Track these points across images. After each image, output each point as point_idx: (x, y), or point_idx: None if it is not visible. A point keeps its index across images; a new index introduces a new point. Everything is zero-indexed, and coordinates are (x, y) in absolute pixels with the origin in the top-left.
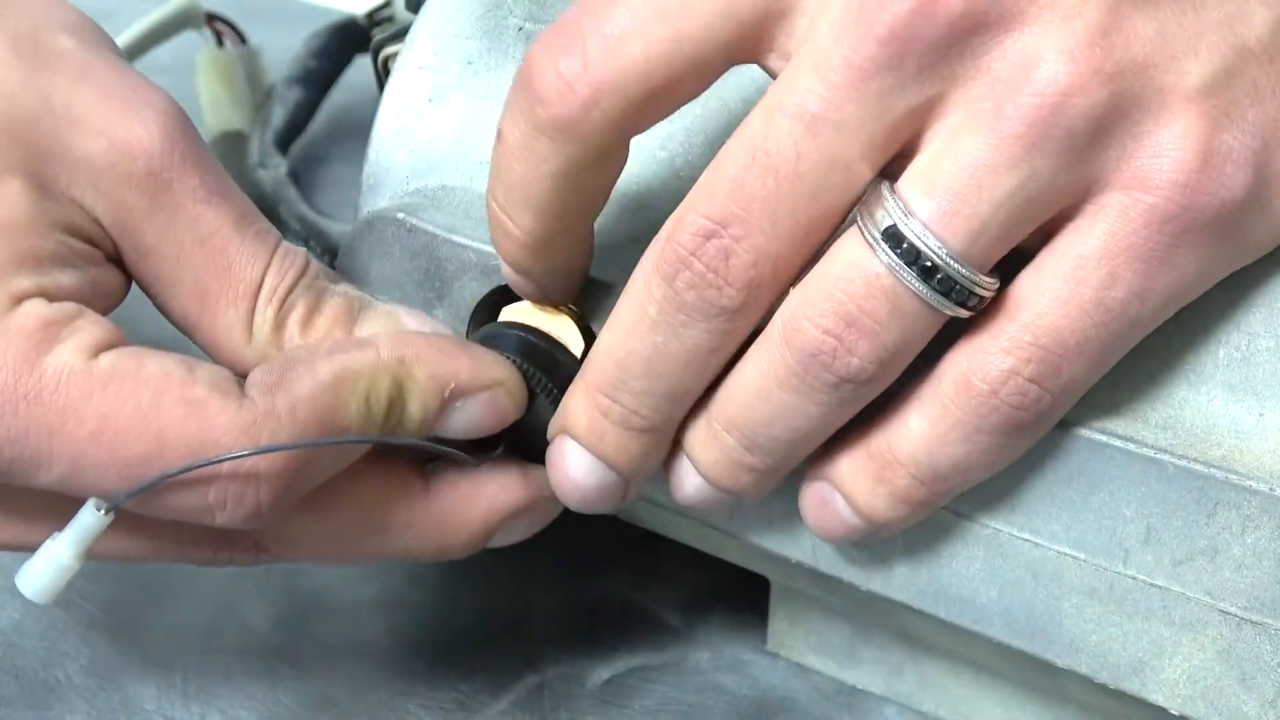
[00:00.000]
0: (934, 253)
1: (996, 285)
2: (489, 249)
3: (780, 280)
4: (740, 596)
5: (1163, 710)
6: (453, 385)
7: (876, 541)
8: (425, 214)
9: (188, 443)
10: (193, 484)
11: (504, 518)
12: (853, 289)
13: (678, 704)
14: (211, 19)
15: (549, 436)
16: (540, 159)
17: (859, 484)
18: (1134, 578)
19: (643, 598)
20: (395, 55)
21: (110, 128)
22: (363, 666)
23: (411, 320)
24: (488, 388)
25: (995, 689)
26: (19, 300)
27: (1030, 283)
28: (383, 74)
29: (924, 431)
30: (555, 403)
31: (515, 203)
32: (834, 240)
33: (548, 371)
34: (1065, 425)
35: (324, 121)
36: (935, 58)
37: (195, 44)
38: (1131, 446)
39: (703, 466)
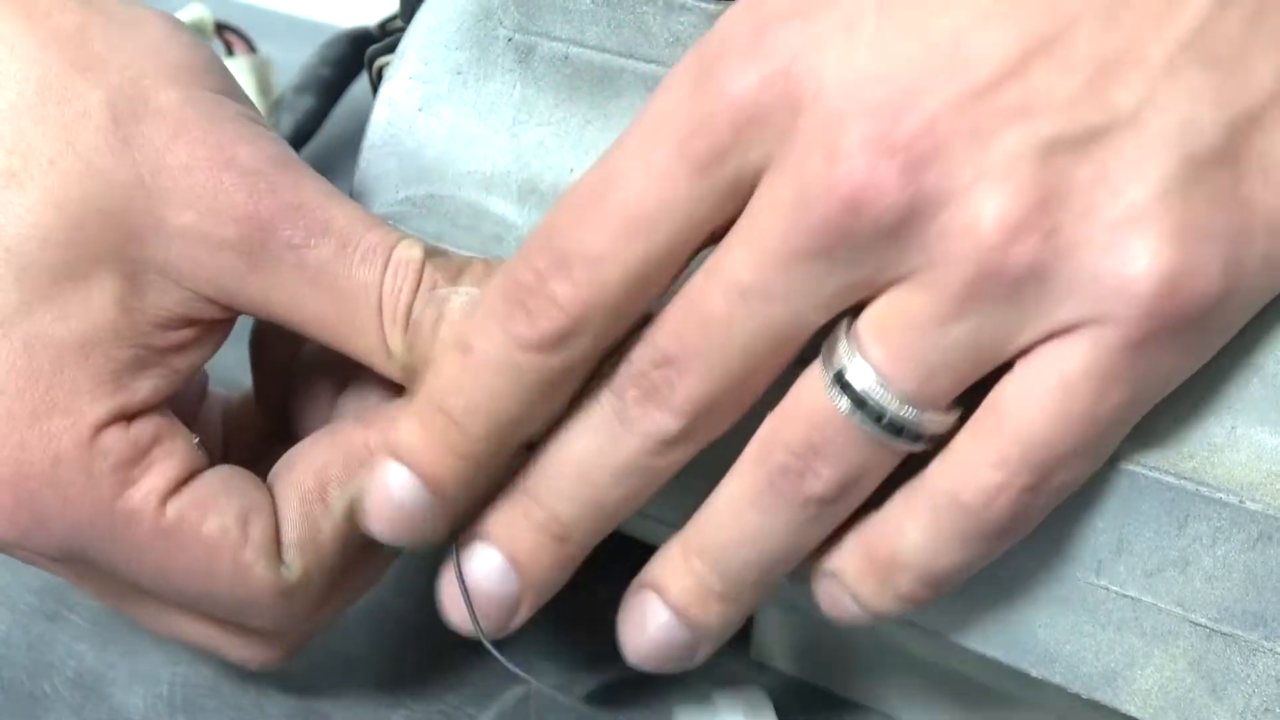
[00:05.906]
0: (880, 402)
1: (955, 418)
2: (478, 256)
3: (722, 418)
4: None
5: None
6: None
7: None
8: (414, 222)
9: (231, 600)
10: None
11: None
12: (814, 422)
13: (663, 715)
14: (221, 29)
15: None
16: (520, 374)
17: (866, 586)
18: (1106, 588)
19: None
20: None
21: (196, 199)
22: (349, 678)
23: None
24: None
25: (976, 698)
26: (98, 430)
27: (1014, 392)
28: (378, 83)
29: (922, 541)
30: None
31: (476, 415)
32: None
33: None
34: None
35: (332, 130)
36: (869, 246)
37: None
38: None
39: (673, 596)
